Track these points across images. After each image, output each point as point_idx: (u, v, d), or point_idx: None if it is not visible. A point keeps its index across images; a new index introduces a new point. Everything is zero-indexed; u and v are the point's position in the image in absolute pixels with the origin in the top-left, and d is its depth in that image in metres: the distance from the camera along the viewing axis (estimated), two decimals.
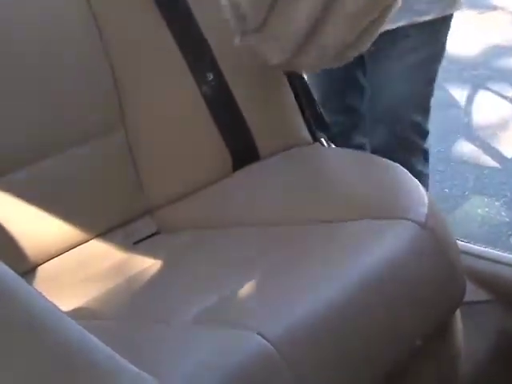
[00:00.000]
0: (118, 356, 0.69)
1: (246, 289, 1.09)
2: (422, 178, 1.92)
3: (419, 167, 1.96)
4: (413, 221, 1.22)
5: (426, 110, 1.95)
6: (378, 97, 1.92)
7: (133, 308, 1.16)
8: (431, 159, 2.09)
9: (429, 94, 1.93)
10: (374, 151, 1.90)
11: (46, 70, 1.35)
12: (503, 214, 2.58)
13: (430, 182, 2.11)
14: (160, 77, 1.44)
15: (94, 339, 0.70)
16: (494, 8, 4.17)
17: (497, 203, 2.63)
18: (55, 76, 1.35)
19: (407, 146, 1.93)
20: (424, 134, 1.97)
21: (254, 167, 1.46)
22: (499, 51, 3.73)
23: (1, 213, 1.25)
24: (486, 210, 2.61)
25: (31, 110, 1.32)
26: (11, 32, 1.33)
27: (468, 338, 1.35)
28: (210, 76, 1.45)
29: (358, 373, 1.09)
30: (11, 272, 0.69)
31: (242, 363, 0.94)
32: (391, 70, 1.87)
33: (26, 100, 1.32)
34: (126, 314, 1.14)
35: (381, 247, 1.19)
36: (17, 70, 1.32)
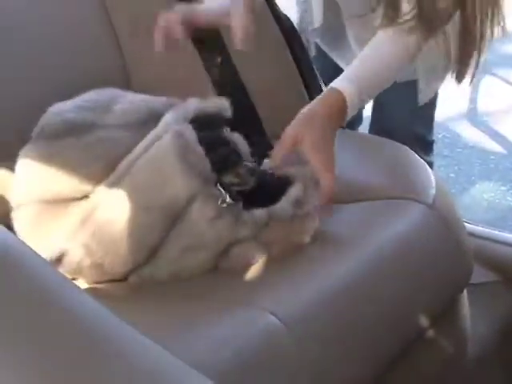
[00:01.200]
0: (166, 352, 0.62)
1: (260, 270, 1.09)
2: None
3: None
4: (420, 202, 1.23)
5: (429, 121, 1.90)
6: (380, 111, 1.89)
7: None
8: (437, 144, 2.09)
9: (433, 106, 1.87)
10: None
11: (57, 57, 1.36)
12: (509, 198, 2.58)
13: (436, 167, 2.11)
14: (169, 60, 1.44)
15: (129, 327, 0.62)
16: None
17: (503, 188, 2.64)
18: (65, 62, 1.37)
19: None
20: (428, 146, 1.91)
21: None
22: (506, 37, 3.72)
23: None
24: (492, 195, 2.61)
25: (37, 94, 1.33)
26: (22, 21, 1.34)
27: (475, 319, 1.36)
28: (219, 60, 1.46)
29: (363, 353, 1.09)
30: (15, 238, 0.64)
31: (254, 340, 0.96)
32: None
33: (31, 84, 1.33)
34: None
35: (389, 228, 1.20)
36: (26, 56, 1.33)
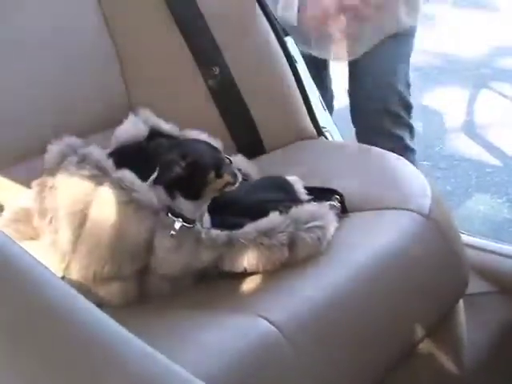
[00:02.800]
0: (162, 356, 0.62)
1: (254, 277, 1.10)
2: (408, 152, 1.95)
3: (407, 141, 1.99)
4: (416, 212, 1.23)
5: (405, 78, 1.98)
6: (366, 74, 1.95)
7: None
8: (434, 157, 2.10)
9: (407, 67, 1.97)
10: (365, 128, 1.96)
11: (60, 72, 1.38)
12: (505, 211, 2.59)
13: (433, 179, 2.12)
14: (168, 71, 1.46)
15: (126, 332, 0.63)
16: (497, 8, 4.19)
17: (499, 201, 2.64)
18: (66, 74, 1.39)
19: (394, 119, 1.95)
20: (408, 106, 1.99)
21: (259, 159, 1.47)
22: (501, 51, 3.74)
23: None
24: (489, 207, 2.62)
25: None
26: (28, 37, 1.36)
27: (471, 329, 1.36)
28: (216, 70, 1.47)
29: (359, 362, 1.10)
30: (11, 241, 0.63)
31: (247, 346, 0.96)
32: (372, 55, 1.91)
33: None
34: None
35: (385, 238, 1.21)
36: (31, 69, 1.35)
